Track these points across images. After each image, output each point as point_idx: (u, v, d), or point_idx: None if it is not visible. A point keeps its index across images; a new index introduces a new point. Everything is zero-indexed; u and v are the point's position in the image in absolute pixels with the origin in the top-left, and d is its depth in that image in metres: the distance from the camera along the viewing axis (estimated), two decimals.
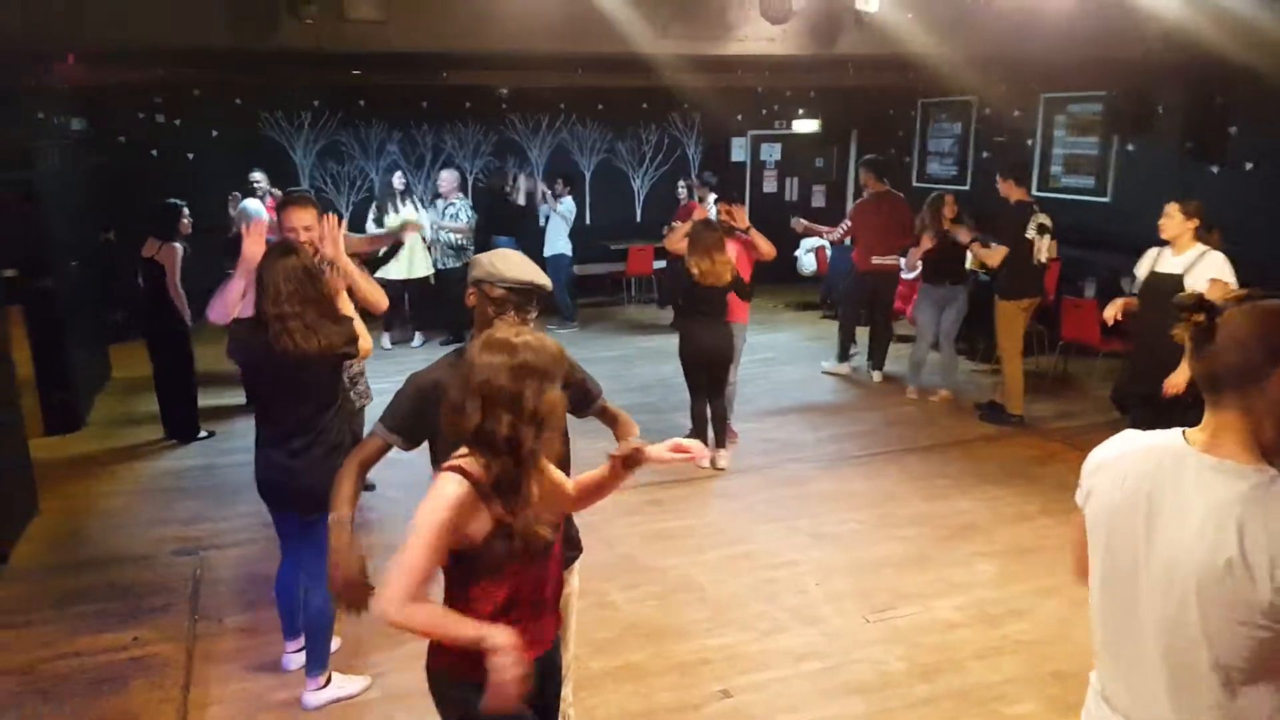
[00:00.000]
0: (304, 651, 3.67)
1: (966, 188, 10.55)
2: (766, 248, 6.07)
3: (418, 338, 9.26)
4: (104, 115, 9.08)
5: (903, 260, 7.75)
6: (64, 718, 3.54)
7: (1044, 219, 6.58)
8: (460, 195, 9.08)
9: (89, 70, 6.96)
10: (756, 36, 6.01)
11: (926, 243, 7.01)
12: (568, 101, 11.21)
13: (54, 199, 6.74)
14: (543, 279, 2.52)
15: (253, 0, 4.82)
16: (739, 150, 12.20)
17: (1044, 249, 6.54)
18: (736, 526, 5.18)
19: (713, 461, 5.91)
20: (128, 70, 7.71)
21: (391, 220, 8.46)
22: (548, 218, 9.77)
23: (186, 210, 6.44)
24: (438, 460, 2.47)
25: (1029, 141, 9.87)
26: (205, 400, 6.75)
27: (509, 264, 2.48)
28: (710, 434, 5.95)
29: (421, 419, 2.44)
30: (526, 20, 5.25)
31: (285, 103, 10.25)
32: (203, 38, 4.97)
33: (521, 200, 10.39)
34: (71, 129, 8.23)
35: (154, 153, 9.81)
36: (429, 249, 9.02)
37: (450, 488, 1.90)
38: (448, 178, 8.99)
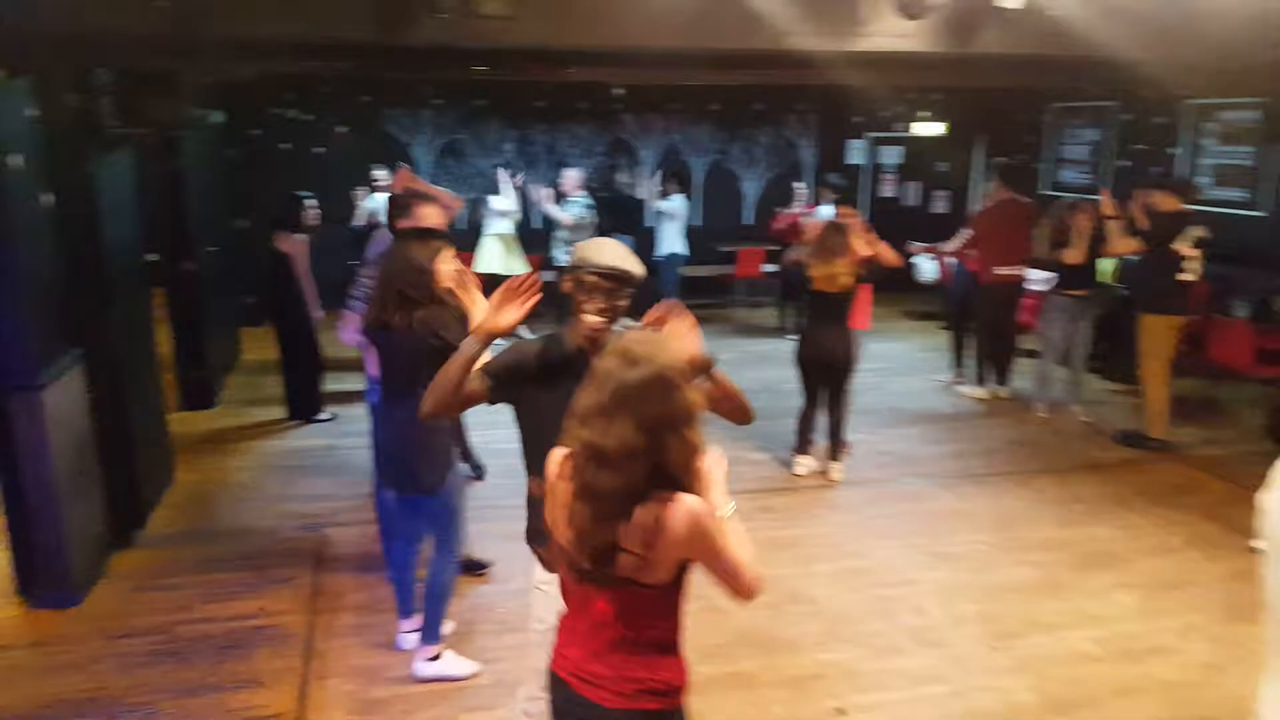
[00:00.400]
0: (418, 632, 3.75)
1: (1099, 198, 9.98)
2: (891, 256, 5.87)
3: (524, 330, 9.36)
4: (240, 109, 9.52)
5: (1031, 270, 7.37)
6: (193, 677, 3.69)
7: (1202, 232, 6.14)
8: (582, 193, 9.16)
9: (229, 63, 7.29)
10: (889, 32, 5.81)
11: (1074, 256, 6.58)
12: (680, 101, 11.17)
13: (195, 188, 7.09)
14: (634, 267, 2.51)
15: None
16: (857, 153, 11.91)
17: (1192, 263, 6.11)
18: (851, 540, 5.01)
19: (826, 472, 5.75)
20: (264, 64, 8.05)
21: (495, 201, 8.70)
22: (658, 214, 9.75)
23: (311, 202, 6.66)
24: (523, 425, 2.57)
25: (1173, 150, 9.28)
26: (328, 385, 6.98)
27: (601, 251, 2.50)
28: (823, 444, 5.78)
29: (512, 378, 2.51)
30: (656, 15, 5.21)
31: (408, 100, 10.54)
32: (344, 32, 5.12)
33: (641, 194, 10.42)
34: (210, 121, 8.67)
35: (285, 146, 10.24)
36: (548, 244, 9.16)
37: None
38: (570, 175, 9.07)
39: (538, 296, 2.49)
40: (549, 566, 2.57)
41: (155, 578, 4.49)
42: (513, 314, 2.46)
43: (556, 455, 2.01)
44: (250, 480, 5.75)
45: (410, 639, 3.84)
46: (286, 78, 9.69)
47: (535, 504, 2.53)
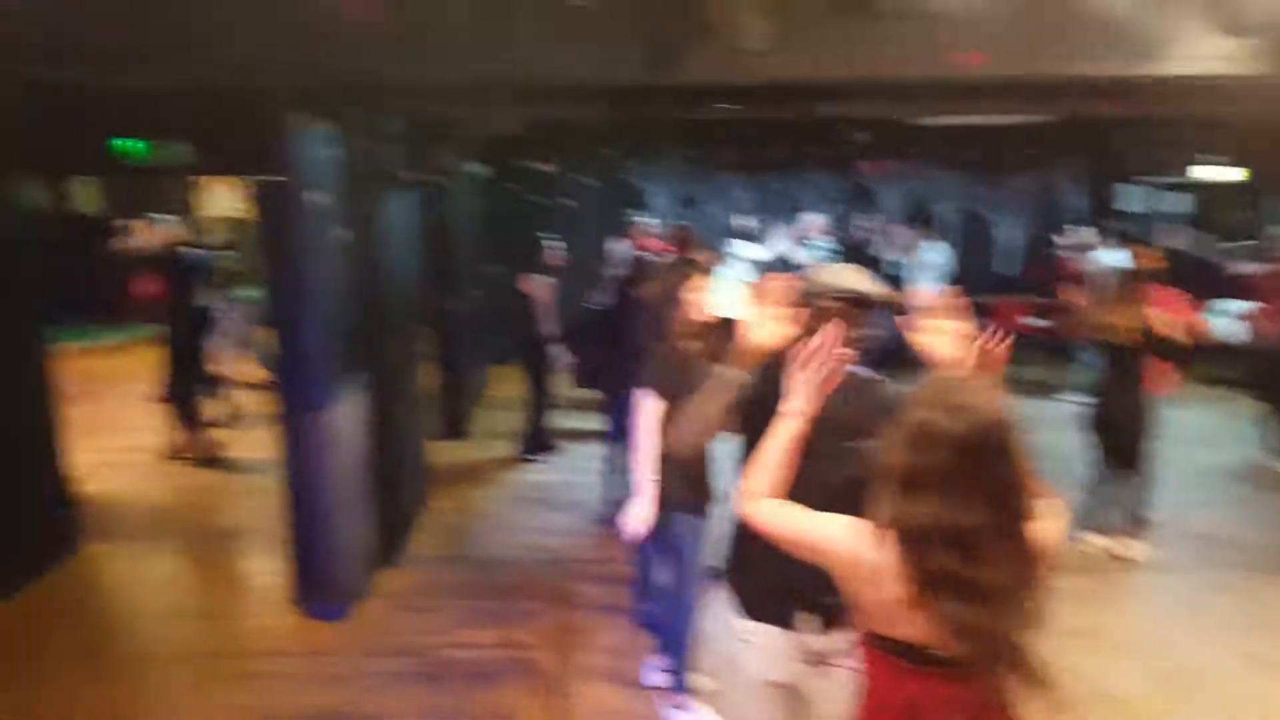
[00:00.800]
0: (668, 672, 3.58)
1: None
2: (1197, 328, 5.10)
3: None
4: (496, 162, 10.12)
5: None
6: (445, 704, 3.68)
7: None
8: (825, 238, 8.87)
9: (510, 109, 7.71)
10: (1205, 55, 5.10)
11: None
12: (926, 143, 10.62)
13: (459, 234, 7.53)
14: (870, 288, 2.29)
15: (657, 33, 4.96)
16: (1133, 199, 10.75)
17: None
18: (1160, 634, 4.26)
19: (1122, 552, 4.98)
20: (535, 109, 8.46)
21: (744, 248, 8.53)
22: (907, 265, 9.21)
23: (554, 245, 6.83)
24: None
25: None
26: (564, 422, 7.08)
27: (835, 275, 2.35)
28: (1119, 520, 5.03)
29: (752, 406, 2.23)
30: (933, 42, 4.87)
31: (651, 151, 10.78)
32: (613, 73, 5.18)
33: (888, 253, 9.92)
34: (472, 173, 9.25)
35: (533, 196, 10.77)
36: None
37: None
38: (812, 220, 8.83)
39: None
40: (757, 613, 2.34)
41: (416, 599, 4.60)
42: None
43: (858, 527, 1.74)
44: (497, 510, 5.87)
45: (659, 675, 3.69)
46: (538, 132, 10.24)
47: (745, 540, 2.27)
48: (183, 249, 6.84)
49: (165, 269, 6.76)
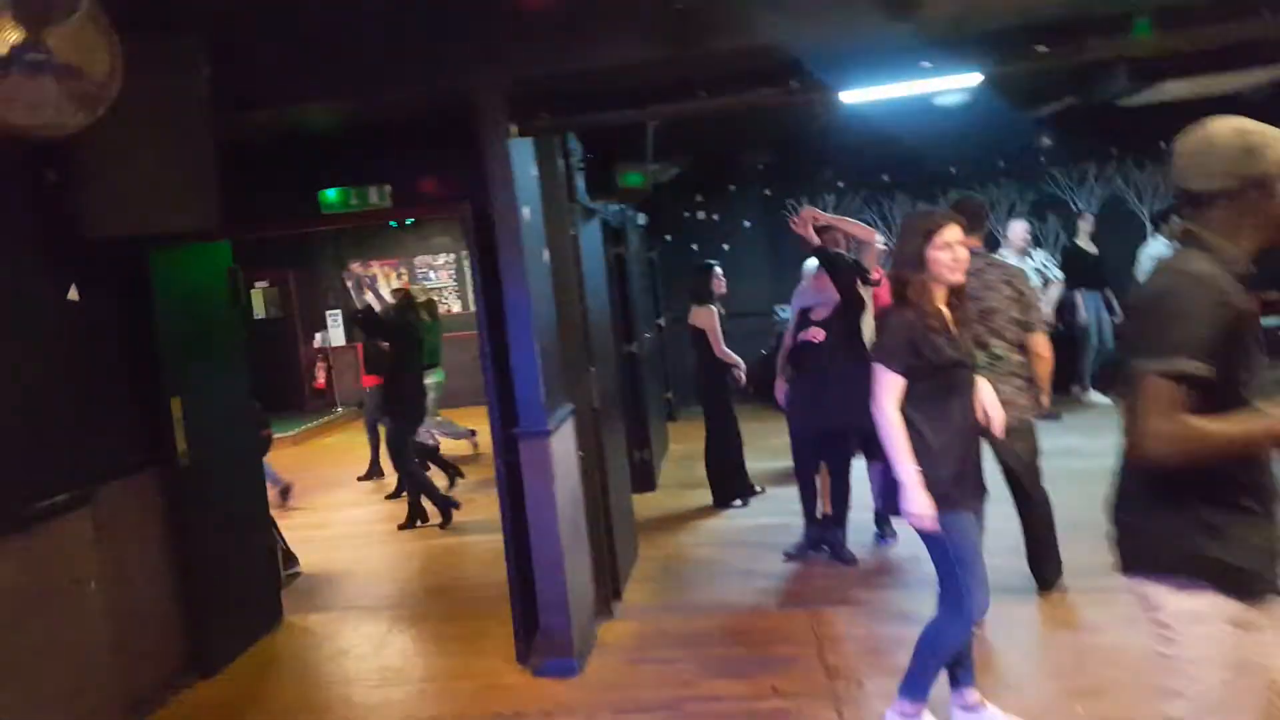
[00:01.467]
0: (972, 710, 3.05)
1: None
2: None
3: None
4: (656, 212, 9.97)
5: None
6: None
7: None
8: (1035, 249, 8.18)
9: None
10: None
11: None
12: (1122, 143, 9.76)
13: (632, 275, 7.28)
14: None
15: None
16: None
17: None
18: None
19: None
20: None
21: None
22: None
23: (719, 271, 6.44)
24: None
25: None
26: (753, 462, 6.60)
27: None
28: None
29: None
30: None
31: (810, 188, 10.38)
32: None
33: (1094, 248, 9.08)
34: (637, 222, 9.09)
35: (695, 246, 10.52)
36: None
37: None
38: (1018, 228, 8.14)
39: None
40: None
41: (647, 650, 4.15)
42: None
43: None
44: (710, 556, 5.38)
45: (965, 716, 3.07)
46: (696, 180, 10.06)
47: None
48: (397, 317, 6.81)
49: (390, 335, 6.73)
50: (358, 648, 4.57)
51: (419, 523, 6.59)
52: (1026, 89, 6.87)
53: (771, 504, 6.24)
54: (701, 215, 10.56)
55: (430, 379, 7.55)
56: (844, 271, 4.87)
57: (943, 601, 2.97)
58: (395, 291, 7.69)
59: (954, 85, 5.85)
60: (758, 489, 6.43)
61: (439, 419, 8.46)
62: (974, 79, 4.50)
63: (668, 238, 10.47)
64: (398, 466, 6.78)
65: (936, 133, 8.84)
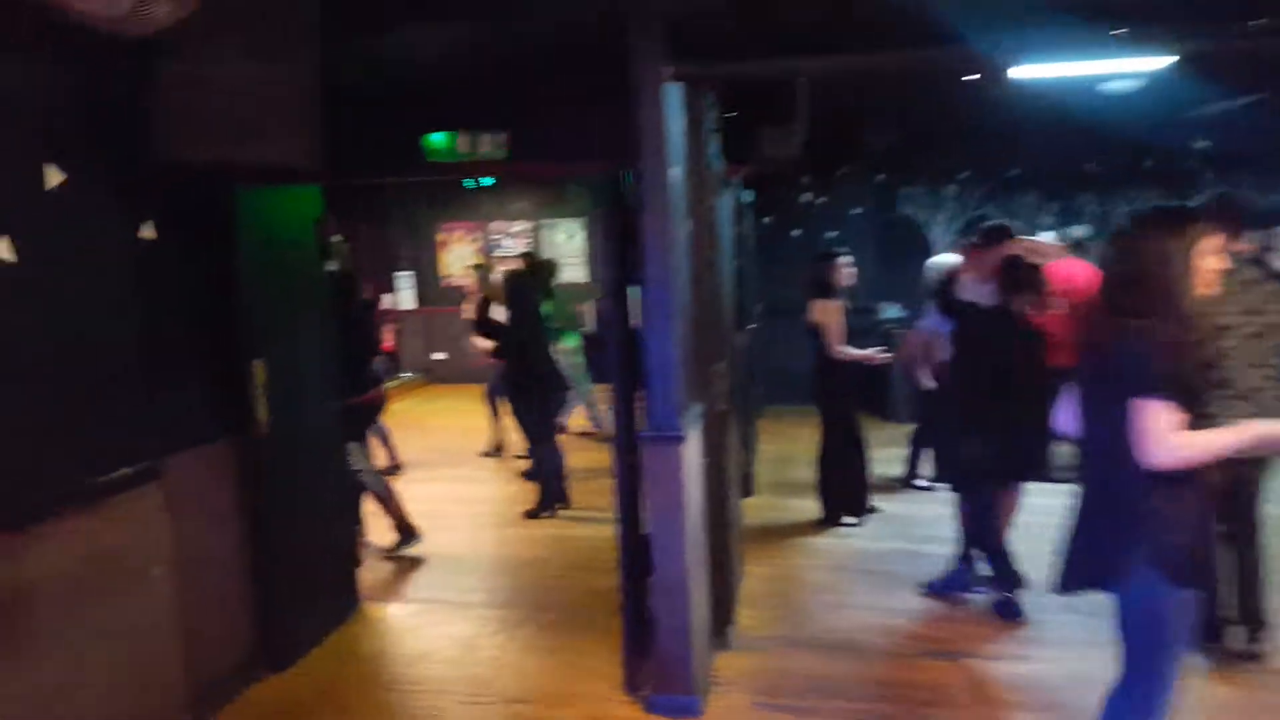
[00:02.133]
0: None
1: None
2: None
3: None
4: (756, 191, 9.29)
5: None
6: None
7: None
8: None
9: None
10: None
11: None
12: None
13: (746, 264, 6.67)
14: None
15: None
16: None
17: None
18: None
19: None
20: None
21: None
22: None
23: (845, 260, 5.74)
24: None
25: None
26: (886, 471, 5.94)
27: None
28: None
29: None
30: None
31: (928, 177, 9.60)
32: None
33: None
34: (742, 200, 8.43)
35: (796, 232, 9.82)
36: None
37: None
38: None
39: None
40: None
41: (777, 694, 3.56)
42: None
43: None
44: (827, 583, 4.75)
45: None
46: (804, 158, 9.33)
47: None
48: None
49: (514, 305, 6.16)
50: (443, 650, 4.06)
51: (546, 513, 6.02)
52: (1221, 73, 6.02)
53: (889, 525, 5.59)
54: (807, 198, 9.84)
55: (564, 345, 7.26)
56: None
57: (1130, 689, 2.37)
58: (520, 257, 7.20)
59: (1138, 67, 5.10)
60: (874, 508, 5.78)
61: (588, 390, 7.97)
62: (1161, 62, 3.84)
63: (766, 220, 9.78)
64: (532, 453, 6.24)
65: (1078, 125, 8.02)
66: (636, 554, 3.51)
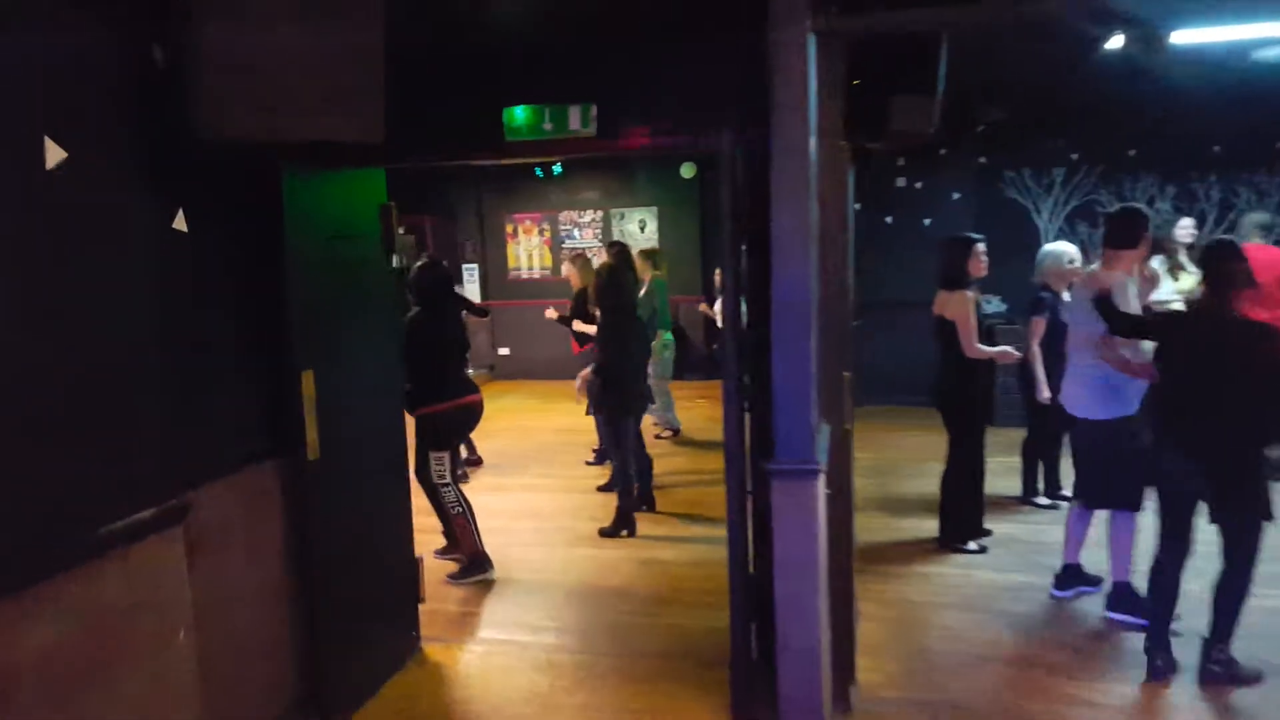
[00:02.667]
0: None
1: None
2: None
3: None
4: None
5: None
6: None
7: None
8: None
9: None
10: None
11: None
12: None
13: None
14: None
15: None
16: None
17: None
18: None
19: None
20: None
21: (1183, 280, 6.12)
22: None
23: (981, 248, 5.01)
24: None
25: None
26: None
27: None
28: None
29: None
30: None
31: (1036, 159, 8.76)
32: None
33: None
34: None
35: (889, 219, 9.07)
36: None
37: None
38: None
39: None
40: None
41: None
42: None
43: None
44: (957, 627, 4.08)
45: None
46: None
47: None
48: None
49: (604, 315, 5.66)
50: (515, 705, 3.50)
51: (624, 530, 5.46)
52: None
53: (1011, 551, 4.89)
54: (902, 182, 9.07)
55: (655, 342, 6.86)
56: None
57: None
58: (610, 247, 6.70)
59: None
60: (988, 529, 5.08)
61: (667, 389, 7.46)
62: None
63: (857, 205, 9.03)
64: (612, 458, 5.74)
65: (1209, 102, 7.14)
66: (752, 597, 2.92)
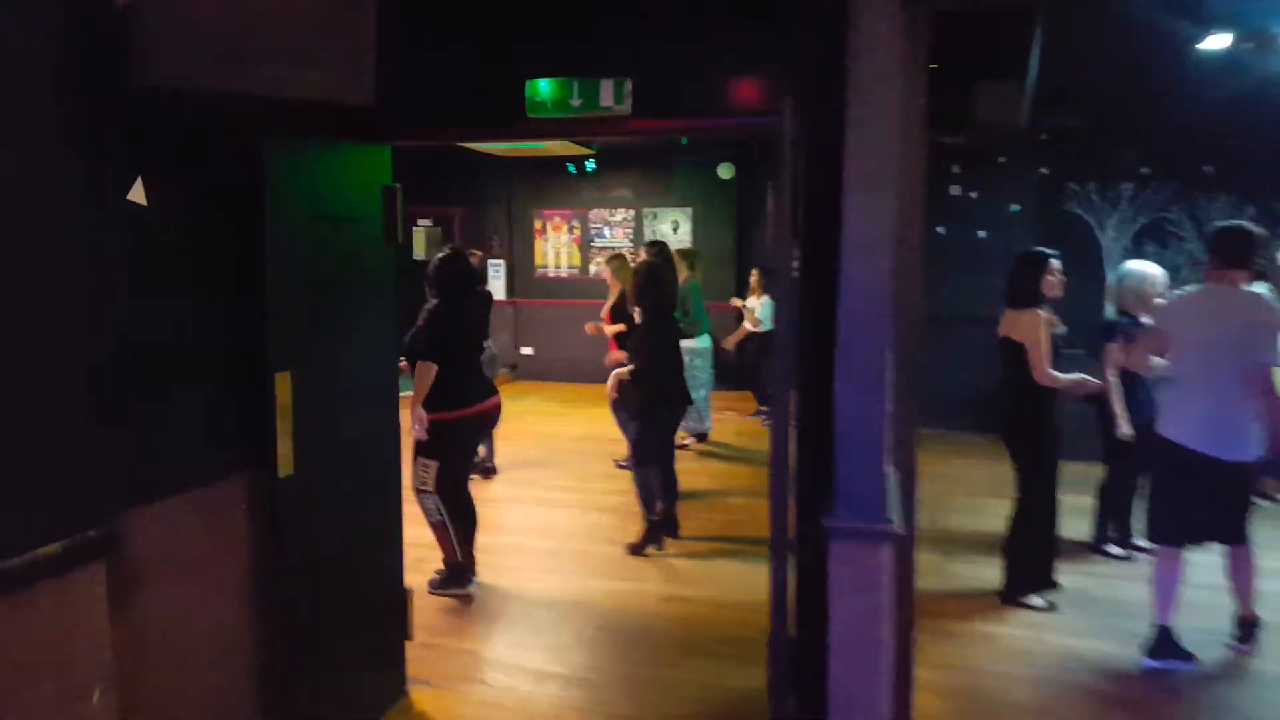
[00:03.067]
0: None
1: None
2: None
3: None
4: None
5: None
6: None
7: None
8: None
9: None
10: None
11: None
12: None
13: None
14: None
15: None
16: None
17: None
18: None
19: None
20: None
21: None
22: None
23: (1057, 264, 4.46)
24: None
25: None
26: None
27: None
28: None
29: None
30: None
31: (1102, 172, 8.16)
32: None
33: None
34: None
35: (941, 229, 8.50)
36: None
37: None
38: None
39: None
40: None
41: None
42: None
43: None
44: (1027, 702, 3.53)
45: None
46: (953, 150, 8.03)
47: None
48: None
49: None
50: None
51: (654, 546, 5.06)
52: None
53: (1086, 609, 4.33)
54: (956, 190, 8.51)
55: (694, 344, 6.59)
56: None
57: None
58: (650, 246, 6.30)
59: None
60: (1056, 582, 4.51)
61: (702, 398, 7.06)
62: None
63: None
64: (635, 473, 5.24)
65: None
66: (790, 666, 2.42)
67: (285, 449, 2.67)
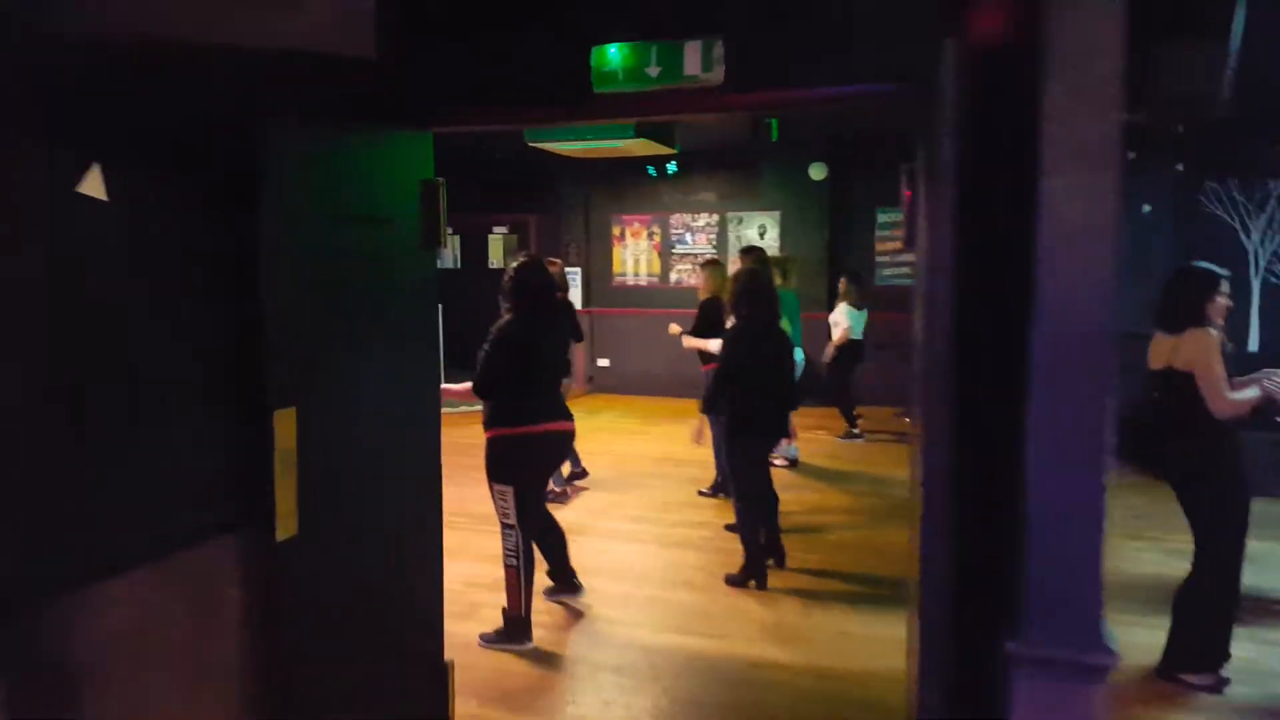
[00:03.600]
0: None
1: None
2: None
3: None
4: None
5: None
6: None
7: None
8: None
9: None
10: None
11: None
12: None
13: None
14: None
15: None
16: None
17: None
18: None
19: None
20: None
21: None
22: None
23: (1226, 286, 3.64)
24: None
25: None
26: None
27: None
28: None
29: None
30: None
31: (1246, 169, 7.19)
32: None
33: None
34: None
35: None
36: None
37: None
38: None
39: None
40: None
41: None
42: None
43: None
44: None
45: None
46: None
47: None
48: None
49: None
50: None
51: (753, 580, 4.62)
52: None
53: (1265, 689, 3.51)
54: None
55: None
56: None
57: None
58: (746, 253, 5.81)
59: None
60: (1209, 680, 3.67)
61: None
62: None
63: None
64: (736, 494, 4.84)
65: None
66: None
67: (286, 504, 2.15)
